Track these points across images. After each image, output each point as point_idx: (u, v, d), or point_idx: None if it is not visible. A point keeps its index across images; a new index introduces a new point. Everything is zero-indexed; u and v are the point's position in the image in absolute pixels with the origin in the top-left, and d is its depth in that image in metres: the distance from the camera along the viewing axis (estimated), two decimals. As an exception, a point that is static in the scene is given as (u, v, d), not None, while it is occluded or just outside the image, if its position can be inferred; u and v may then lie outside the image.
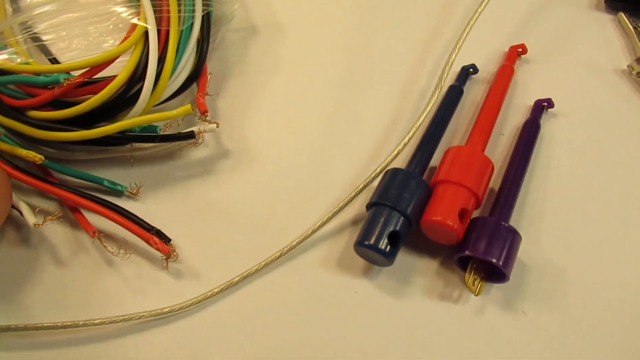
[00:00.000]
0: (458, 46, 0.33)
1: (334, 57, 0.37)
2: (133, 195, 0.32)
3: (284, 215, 0.31)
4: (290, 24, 0.38)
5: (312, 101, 0.35)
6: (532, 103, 0.34)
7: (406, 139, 0.30)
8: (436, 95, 0.32)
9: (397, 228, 0.28)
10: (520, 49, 0.35)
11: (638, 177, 0.31)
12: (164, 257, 0.29)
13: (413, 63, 0.36)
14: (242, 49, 0.37)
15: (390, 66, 0.36)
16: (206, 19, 0.33)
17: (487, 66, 0.36)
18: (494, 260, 0.27)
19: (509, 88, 0.34)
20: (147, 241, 0.29)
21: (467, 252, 0.27)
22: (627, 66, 0.34)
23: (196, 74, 0.33)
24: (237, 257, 0.29)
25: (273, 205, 0.31)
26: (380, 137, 0.34)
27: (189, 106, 0.30)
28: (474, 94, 0.35)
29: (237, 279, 0.28)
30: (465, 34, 0.33)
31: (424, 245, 0.29)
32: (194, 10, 0.32)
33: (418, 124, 0.31)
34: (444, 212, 0.28)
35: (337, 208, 0.30)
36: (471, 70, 0.35)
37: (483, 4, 0.34)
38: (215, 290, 0.28)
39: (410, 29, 0.38)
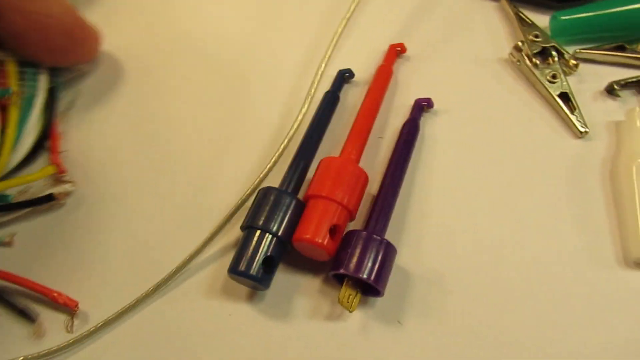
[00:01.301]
0: (328, 53, 0.32)
1: (210, 77, 0.36)
2: (7, 244, 0.30)
3: (161, 246, 0.30)
4: (160, 49, 0.37)
5: (189, 124, 0.34)
6: (412, 102, 0.33)
7: (275, 155, 0.29)
8: (307, 104, 0.31)
9: (270, 251, 0.27)
10: (399, 48, 0.34)
11: (524, 171, 0.30)
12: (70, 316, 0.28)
13: (295, 73, 0.35)
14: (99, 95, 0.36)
15: (271, 78, 0.35)
16: (53, 91, 0.33)
17: (369, 68, 0.35)
18: (365, 277, 0.26)
19: (388, 89, 0.33)
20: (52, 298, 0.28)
21: (341, 271, 0.26)
22: (509, 54, 0.33)
23: (44, 138, 0.32)
24: (114, 293, 0.28)
25: (150, 236, 0.30)
26: (260, 153, 0.32)
27: (49, 167, 0.31)
28: (354, 98, 0.34)
29: (112, 316, 0.27)
30: (335, 39, 0.32)
31: (306, 263, 0.28)
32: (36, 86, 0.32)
33: (287, 137, 0.30)
34: (313, 230, 0.27)
35: (210, 234, 0.29)
36: (347, 74, 0.34)
37: (352, 8, 0.33)
38: (92, 328, 0.27)
39: (289, 38, 0.37)
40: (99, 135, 0.33)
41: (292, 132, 0.30)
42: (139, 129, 0.33)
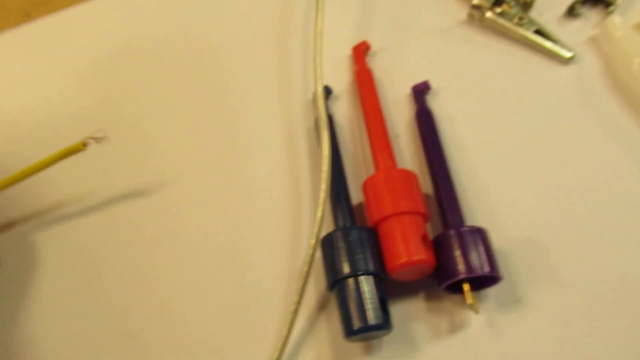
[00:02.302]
0: (317, 73, 0.30)
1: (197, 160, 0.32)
2: None
3: (233, 348, 0.26)
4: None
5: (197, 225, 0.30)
6: (406, 92, 0.32)
7: (321, 201, 0.27)
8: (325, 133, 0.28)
9: (378, 291, 0.24)
10: (364, 47, 0.33)
11: (540, 115, 0.30)
12: None
13: (276, 114, 0.33)
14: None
15: (256, 127, 0.33)
16: None
17: (340, 78, 0.33)
18: (484, 272, 0.24)
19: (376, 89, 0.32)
20: None
21: (460, 277, 0.24)
22: (468, 16, 0.33)
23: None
24: None
25: (215, 342, 0.26)
26: (286, 211, 0.30)
27: None
28: (341, 112, 0.32)
29: None
30: (318, 59, 0.30)
31: (398, 289, 0.26)
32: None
33: (323, 171, 0.27)
34: (406, 251, 0.25)
35: (291, 317, 0.25)
36: (326, 92, 0.32)
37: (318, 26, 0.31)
38: None
39: (255, 78, 0.34)
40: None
41: (325, 167, 0.27)
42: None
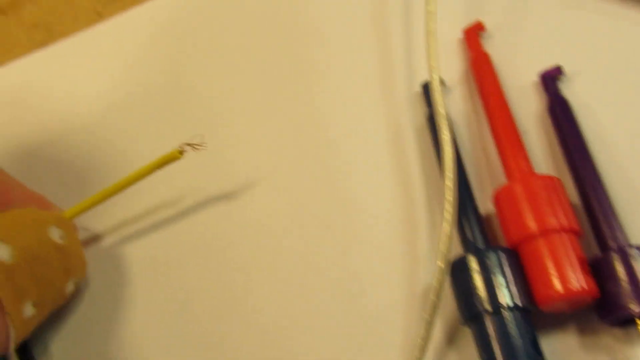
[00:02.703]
0: (433, 63, 0.25)
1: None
2: None
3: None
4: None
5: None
6: (532, 80, 0.27)
7: (447, 215, 0.23)
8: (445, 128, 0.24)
9: (527, 331, 0.20)
10: (478, 28, 0.28)
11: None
12: None
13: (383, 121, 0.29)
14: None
15: (356, 125, 0.29)
16: None
17: (451, 67, 0.29)
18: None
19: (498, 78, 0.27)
20: None
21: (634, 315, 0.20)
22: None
23: None
24: None
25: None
26: (398, 225, 0.26)
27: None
28: (455, 108, 0.28)
29: None
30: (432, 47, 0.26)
31: (546, 322, 0.22)
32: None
33: (446, 178, 0.23)
34: (561, 279, 0.20)
35: (417, 354, 0.22)
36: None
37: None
38: None
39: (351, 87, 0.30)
40: None
41: (449, 174, 0.23)
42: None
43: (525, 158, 0.24)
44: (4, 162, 0.30)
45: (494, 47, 0.28)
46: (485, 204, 0.25)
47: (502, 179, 0.25)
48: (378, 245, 0.26)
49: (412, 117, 0.28)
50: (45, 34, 0.34)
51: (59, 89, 0.33)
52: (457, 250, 0.23)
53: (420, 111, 0.28)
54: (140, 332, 0.26)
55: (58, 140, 0.32)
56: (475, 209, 0.24)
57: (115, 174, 0.29)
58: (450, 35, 0.29)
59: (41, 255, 0.24)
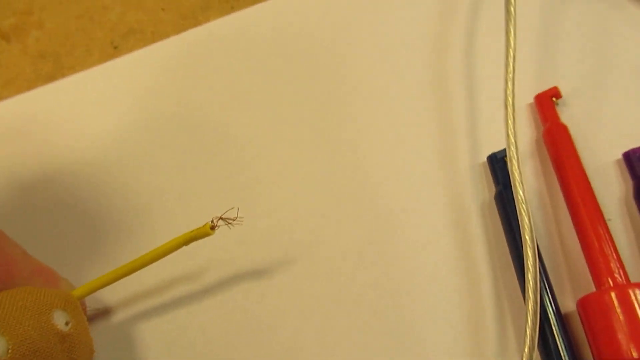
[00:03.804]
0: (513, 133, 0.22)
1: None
2: None
3: None
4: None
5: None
6: (614, 158, 0.24)
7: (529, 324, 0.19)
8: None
9: None
10: (553, 94, 0.25)
11: None
12: None
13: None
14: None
15: (413, 200, 0.25)
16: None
17: (522, 136, 0.25)
18: None
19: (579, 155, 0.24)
20: None
21: None
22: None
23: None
24: None
25: None
26: (464, 325, 0.22)
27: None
28: (529, 182, 0.24)
29: None
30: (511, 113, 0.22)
31: None
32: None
33: (530, 266, 0.19)
34: None
35: None
36: (505, 157, 0.24)
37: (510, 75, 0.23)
38: None
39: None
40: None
41: (530, 277, 0.20)
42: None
43: (619, 262, 0.21)
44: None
45: (570, 117, 0.25)
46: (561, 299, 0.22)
47: (584, 277, 0.21)
48: (440, 346, 0.22)
49: (474, 192, 0.25)
50: (53, 65, 0.30)
51: (65, 126, 0.29)
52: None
53: (484, 186, 0.24)
54: None
55: (61, 179, 0.29)
56: (561, 319, 0.20)
57: (127, 222, 0.26)
58: (519, 101, 0.26)
59: (42, 348, 0.20)
